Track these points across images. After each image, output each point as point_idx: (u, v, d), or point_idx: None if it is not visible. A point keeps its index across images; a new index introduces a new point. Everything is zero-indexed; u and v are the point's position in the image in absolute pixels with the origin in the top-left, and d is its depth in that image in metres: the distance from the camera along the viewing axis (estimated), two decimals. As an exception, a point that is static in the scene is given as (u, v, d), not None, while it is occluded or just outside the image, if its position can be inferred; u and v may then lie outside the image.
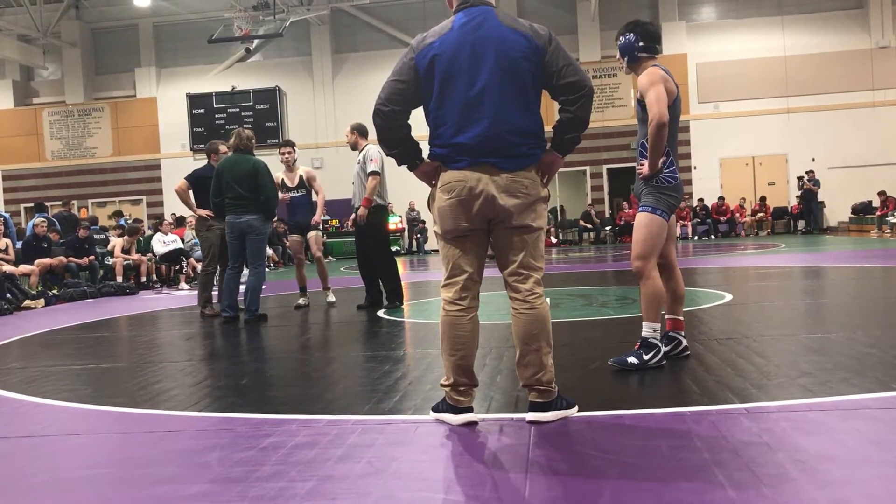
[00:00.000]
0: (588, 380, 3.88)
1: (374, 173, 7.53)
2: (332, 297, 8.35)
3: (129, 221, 16.53)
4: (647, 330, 4.01)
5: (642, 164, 4.06)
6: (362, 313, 7.38)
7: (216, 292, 8.18)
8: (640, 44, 4.11)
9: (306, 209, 8.28)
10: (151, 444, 3.13)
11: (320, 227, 8.47)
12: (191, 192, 7.96)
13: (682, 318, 4.31)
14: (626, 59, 4.17)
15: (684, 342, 4.28)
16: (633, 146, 22.13)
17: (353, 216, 7.72)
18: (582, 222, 22.32)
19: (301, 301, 8.24)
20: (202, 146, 20.04)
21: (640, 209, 4.09)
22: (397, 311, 7.37)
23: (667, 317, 4.28)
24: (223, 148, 8.08)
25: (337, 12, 23.17)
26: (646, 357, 3.97)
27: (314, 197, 8.35)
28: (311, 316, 7.47)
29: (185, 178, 8.05)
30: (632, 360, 3.98)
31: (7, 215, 14.74)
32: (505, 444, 2.84)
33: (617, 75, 22.08)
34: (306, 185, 8.20)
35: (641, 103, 4.03)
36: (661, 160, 3.96)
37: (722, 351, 4.39)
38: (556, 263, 14.06)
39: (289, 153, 8.16)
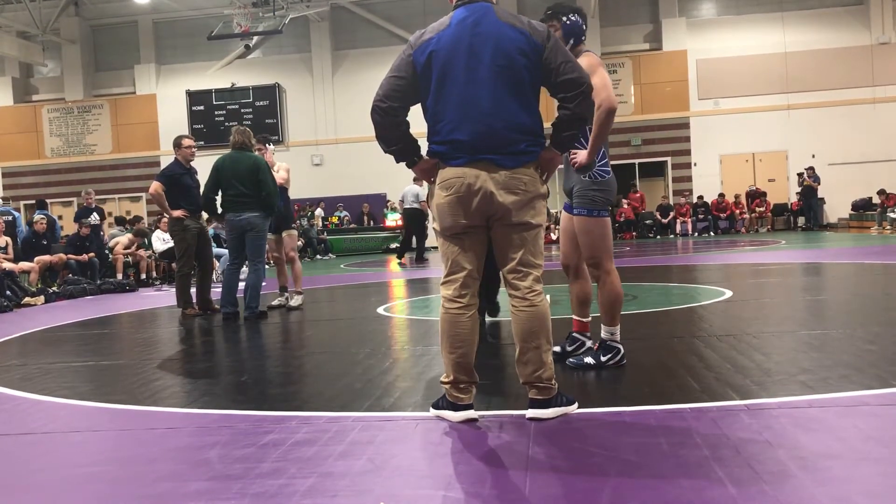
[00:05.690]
0: (588, 377, 3.88)
1: None
2: (297, 302, 7.78)
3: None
4: (605, 333, 3.99)
5: (575, 154, 3.84)
6: (361, 310, 7.37)
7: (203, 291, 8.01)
8: (585, 27, 3.94)
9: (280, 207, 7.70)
10: (151, 441, 3.13)
11: (295, 226, 8.12)
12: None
13: (588, 320, 4.28)
14: (571, 41, 3.90)
15: (588, 343, 4.27)
16: (634, 143, 22.12)
17: None
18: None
19: (279, 301, 8.06)
20: (202, 143, 20.08)
21: (575, 211, 3.91)
22: (398, 309, 7.36)
23: (574, 318, 4.27)
24: (186, 142, 7.95)
25: (336, 9, 23.13)
26: (603, 358, 3.97)
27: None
28: (310, 313, 7.47)
29: (157, 180, 7.82)
30: (588, 360, 4.00)
31: (17, 213, 14.70)
32: (505, 441, 2.84)
33: (617, 71, 22.05)
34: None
35: None
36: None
37: (722, 348, 4.39)
38: (556, 260, 14.04)
39: (259, 150, 7.81)
